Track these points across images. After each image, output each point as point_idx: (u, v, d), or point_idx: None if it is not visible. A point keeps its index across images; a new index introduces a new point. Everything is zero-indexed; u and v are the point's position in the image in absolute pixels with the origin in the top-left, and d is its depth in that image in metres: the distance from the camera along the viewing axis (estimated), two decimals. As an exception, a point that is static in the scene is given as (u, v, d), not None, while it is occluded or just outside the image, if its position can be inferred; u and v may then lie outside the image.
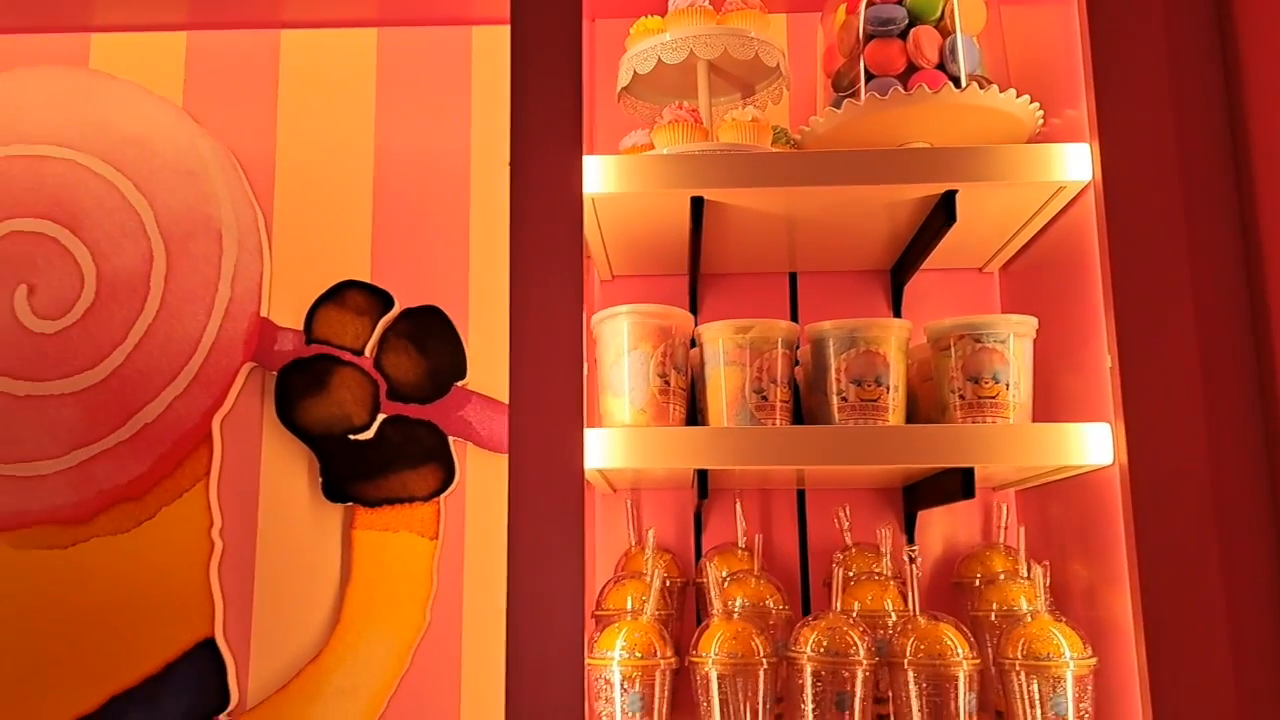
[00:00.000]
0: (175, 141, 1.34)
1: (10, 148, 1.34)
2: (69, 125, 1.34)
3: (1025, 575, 1.09)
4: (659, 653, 0.99)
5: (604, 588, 1.13)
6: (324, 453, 1.28)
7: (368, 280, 1.32)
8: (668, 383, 1.02)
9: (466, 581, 1.27)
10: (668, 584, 1.15)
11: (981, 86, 1.05)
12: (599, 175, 1.00)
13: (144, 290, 1.31)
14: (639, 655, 0.98)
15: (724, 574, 1.12)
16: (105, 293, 1.31)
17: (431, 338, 1.30)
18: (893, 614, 1.07)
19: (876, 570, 1.12)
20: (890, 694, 1.00)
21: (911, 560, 1.01)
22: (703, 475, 1.03)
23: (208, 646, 1.25)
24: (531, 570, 0.93)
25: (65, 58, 1.37)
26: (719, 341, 1.03)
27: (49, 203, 1.33)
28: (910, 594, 1.01)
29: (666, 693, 0.99)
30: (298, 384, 1.30)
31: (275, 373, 1.30)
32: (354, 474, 1.28)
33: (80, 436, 1.28)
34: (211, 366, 1.30)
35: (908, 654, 0.97)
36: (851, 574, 1.12)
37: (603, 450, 0.97)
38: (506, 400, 1.30)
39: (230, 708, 1.23)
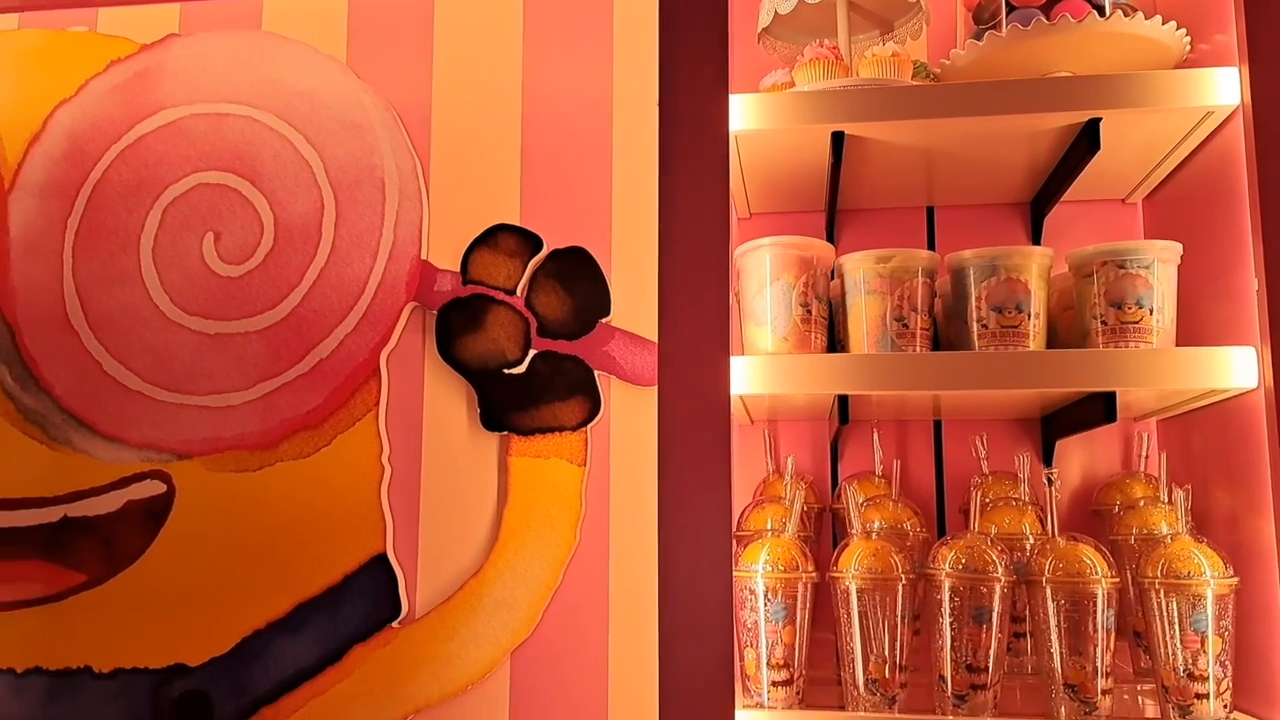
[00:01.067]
0: (341, 96, 1.45)
1: (195, 106, 1.47)
2: (245, 84, 1.46)
3: (1166, 500, 1.10)
4: (800, 567, 1.05)
5: (743, 511, 1.19)
6: (480, 386, 1.38)
7: (518, 223, 1.41)
8: (809, 311, 1.06)
9: (612, 505, 1.35)
10: (805, 509, 1.21)
11: (1126, 14, 1.04)
12: (743, 113, 1.04)
13: (316, 236, 1.42)
14: (781, 568, 1.04)
15: (861, 499, 1.17)
16: (283, 239, 1.43)
17: (578, 277, 1.38)
18: (1030, 537, 1.10)
19: (1014, 496, 1.15)
20: (1028, 613, 1.04)
21: (1050, 482, 1.04)
22: (843, 402, 1.08)
23: (380, 561, 1.37)
24: (682, 487, 1.00)
25: (241, 21, 1.49)
26: (860, 271, 1.06)
27: (230, 157, 1.45)
28: (1049, 516, 1.04)
29: (808, 605, 1.05)
30: (456, 322, 1.39)
31: (435, 312, 1.40)
32: (508, 405, 1.37)
33: (264, 370, 1.41)
34: (378, 306, 1.40)
35: (1046, 572, 1.00)
36: (989, 499, 1.15)
37: (748, 377, 1.02)
38: (648, 336, 1.37)
39: (402, 616, 1.35)
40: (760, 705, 1.02)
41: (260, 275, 1.43)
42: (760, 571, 1.03)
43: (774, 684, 1.02)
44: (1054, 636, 0.99)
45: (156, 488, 1.41)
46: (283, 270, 1.42)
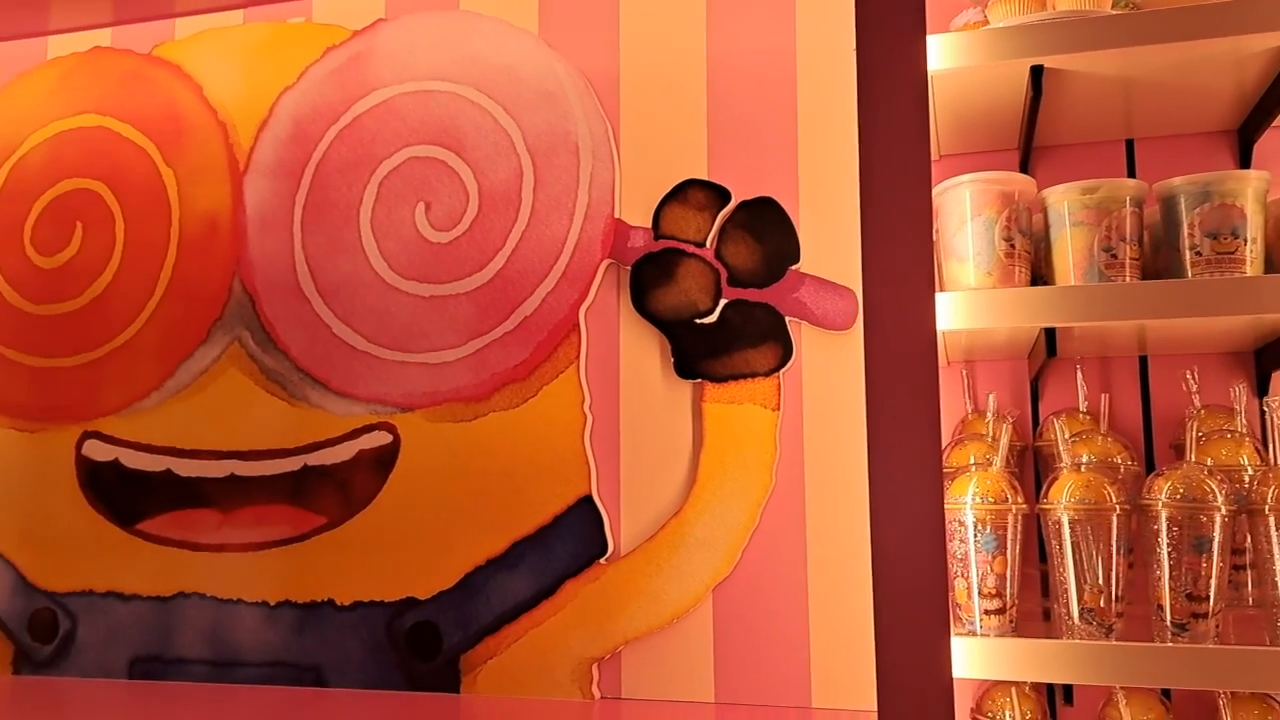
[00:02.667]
0: (536, 67, 1.53)
1: (403, 85, 1.58)
2: (448, 62, 1.56)
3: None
4: (1010, 499, 1.06)
5: (944, 450, 1.21)
6: (673, 336, 1.44)
7: (706, 178, 1.45)
8: (1013, 246, 1.07)
9: (806, 447, 1.39)
10: (1008, 447, 1.21)
11: (1351, -82, 0.99)
12: (940, 52, 1.05)
13: (517, 201, 1.51)
14: (991, 500, 1.06)
15: (1068, 433, 1.17)
16: (486, 205, 1.52)
17: (766, 226, 1.42)
18: (1249, 468, 1.08)
19: (1230, 428, 1.12)
20: (1249, 544, 1.02)
21: (1271, 410, 1.01)
22: (1050, 335, 1.08)
23: (587, 503, 1.45)
24: (890, 422, 1.02)
25: (441, 2, 1.59)
26: (1065, 203, 1.06)
27: (437, 130, 1.56)
28: (1270, 446, 1.02)
29: (1019, 537, 1.06)
30: (649, 276, 1.46)
31: (629, 267, 1.47)
32: (701, 354, 1.43)
33: (474, 329, 1.51)
34: (576, 264, 1.48)
35: (1269, 501, 0.98)
36: (1203, 433, 1.13)
37: (953, 312, 1.04)
38: (839, 280, 1.40)
39: (609, 554, 1.44)
40: (973, 633, 1.05)
41: (467, 240, 1.53)
42: (970, 504, 1.06)
43: (986, 612, 1.04)
44: (1278, 566, 0.97)
45: (384, 438, 1.54)
46: (488, 234, 1.52)
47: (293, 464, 1.57)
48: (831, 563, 1.37)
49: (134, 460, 1.63)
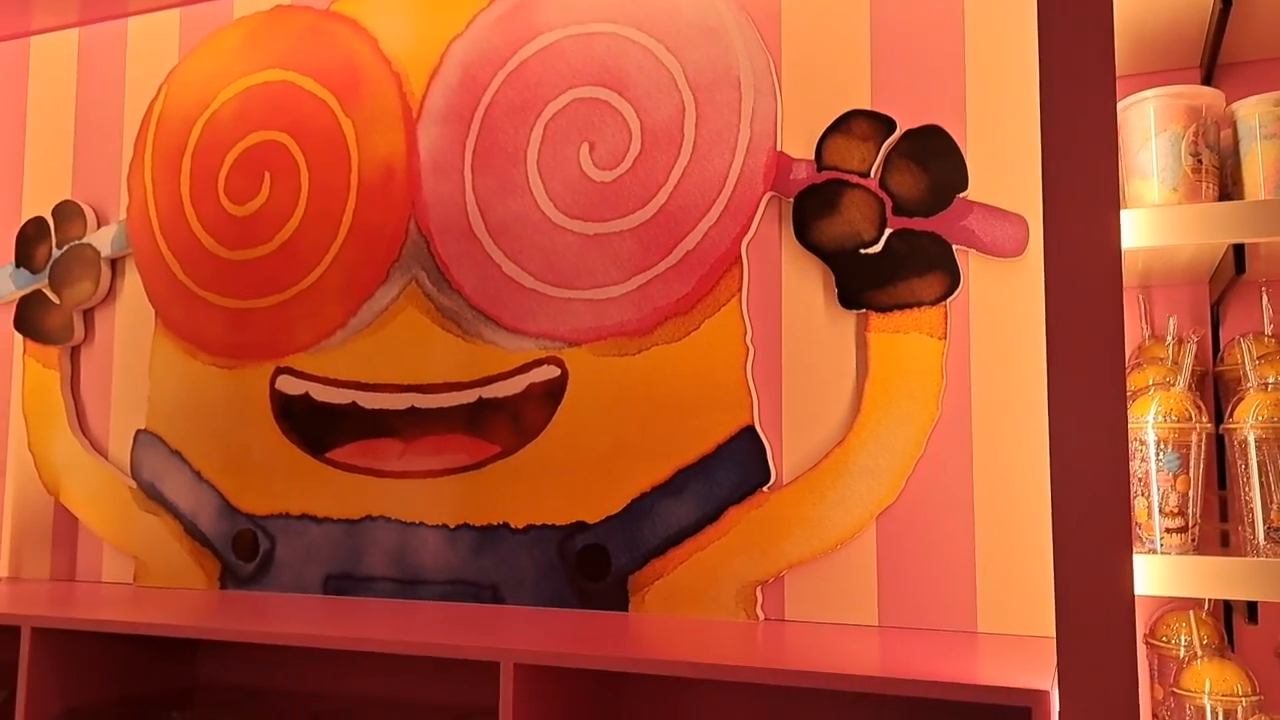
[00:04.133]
0: (696, 4, 1.55)
1: (567, 29, 1.63)
2: (610, 2, 1.60)
3: None
4: (1194, 418, 1.05)
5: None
6: (837, 267, 1.46)
7: (870, 108, 1.46)
8: (1200, 161, 1.04)
9: (973, 375, 1.40)
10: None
11: None
12: (1126, -37, 1.03)
13: (679, 138, 1.55)
14: (1175, 419, 1.05)
15: (1255, 354, 1.14)
16: (649, 143, 1.56)
17: (932, 155, 1.41)
18: None
19: None
20: None
21: None
22: (1239, 252, 1.06)
23: (749, 432, 1.50)
24: (1072, 345, 1.02)
25: (601, -54, 1.63)
26: (1256, 116, 1.03)
27: (599, 71, 1.60)
28: None
29: (1203, 455, 1.05)
30: (811, 208, 1.48)
31: (791, 199, 1.49)
32: (865, 284, 1.44)
33: (638, 264, 1.56)
34: (738, 198, 1.51)
35: None
36: (1405, 353, 1.08)
37: (1136, 230, 1.03)
38: (1008, 207, 1.39)
39: (771, 482, 1.48)
40: (1154, 551, 1.05)
41: (630, 178, 1.57)
42: (1151, 423, 1.05)
43: (1167, 530, 1.04)
44: None
45: (552, 372, 1.61)
46: (650, 172, 1.56)
47: (468, 397, 1.66)
48: (999, 489, 1.37)
49: (322, 394, 1.75)
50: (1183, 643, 1.22)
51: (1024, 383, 1.37)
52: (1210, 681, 1.14)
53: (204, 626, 1.50)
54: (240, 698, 1.67)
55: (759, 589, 1.47)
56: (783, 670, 1.23)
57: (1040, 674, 1.13)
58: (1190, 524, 1.05)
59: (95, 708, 1.57)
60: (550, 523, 1.59)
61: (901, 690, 1.14)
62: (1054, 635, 1.31)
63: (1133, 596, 1.00)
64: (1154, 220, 1.02)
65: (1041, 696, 1.04)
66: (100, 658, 1.60)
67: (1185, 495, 1.05)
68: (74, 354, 1.96)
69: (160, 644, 1.68)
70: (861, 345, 1.45)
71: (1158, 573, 1.04)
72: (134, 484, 1.87)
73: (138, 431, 1.88)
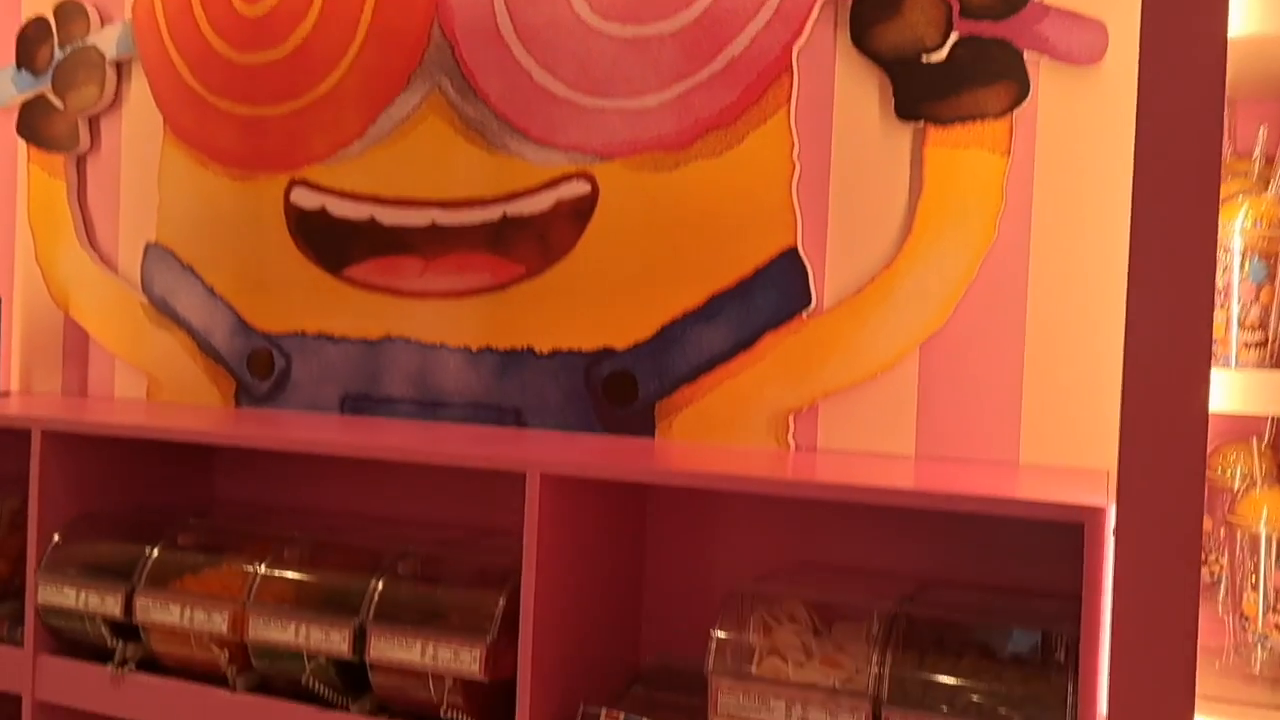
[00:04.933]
0: None
1: None
2: None
3: None
4: (1289, 224, 0.97)
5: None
6: (895, 75, 1.35)
7: (941, -103, 1.33)
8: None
9: (1036, 197, 1.31)
10: (1275, 185, 1.10)
11: None
12: None
13: (728, -70, 1.42)
14: (1265, 225, 0.97)
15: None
16: (695, -65, 1.44)
17: (1008, -50, 1.29)
18: None
19: None
20: None
21: None
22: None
23: (790, 255, 1.42)
24: (1164, 142, 0.93)
25: None
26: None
27: None
28: None
29: (1294, 265, 0.97)
30: (871, 10, 1.36)
31: (848, 1, 1.37)
32: (925, 94, 1.34)
33: (678, 71, 1.46)
34: (790, 0, 1.40)
35: None
36: None
37: (1244, 18, 0.93)
38: (1087, 12, 1.27)
39: (811, 307, 1.41)
40: (1228, 365, 0.98)
41: (673, -25, 1.45)
42: (1239, 229, 0.97)
43: (1245, 345, 0.97)
44: None
45: (582, 188, 1.52)
46: (695, -32, 1.44)
47: (492, 213, 1.58)
48: (1052, 318, 1.30)
49: (339, 208, 1.67)
50: (1239, 473, 1.16)
51: (1088, 204, 1.28)
52: (1268, 509, 1.09)
53: (220, 432, 1.46)
54: (257, 513, 1.65)
55: (792, 417, 1.42)
56: (816, 484, 1.19)
57: (1091, 496, 1.08)
58: (1271, 338, 0.98)
59: (110, 516, 1.55)
60: (576, 348, 1.53)
61: (942, 505, 1.10)
62: (1102, 468, 1.26)
63: (1207, 413, 0.93)
64: (1265, 6, 0.92)
65: (1097, 514, 0.99)
66: (114, 465, 1.57)
67: (1268, 308, 0.98)
68: (80, 164, 1.88)
69: (175, 454, 1.65)
70: (917, 162, 1.35)
71: (1234, 388, 0.98)
72: (145, 299, 1.81)
73: (148, 245, 1.81)
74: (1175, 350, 0.94)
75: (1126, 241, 0.93)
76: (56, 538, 1.49)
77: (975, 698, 1.07)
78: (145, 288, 1.81)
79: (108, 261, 1.85)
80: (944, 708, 1.07)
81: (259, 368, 1.73)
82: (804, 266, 1.41)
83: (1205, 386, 0.93)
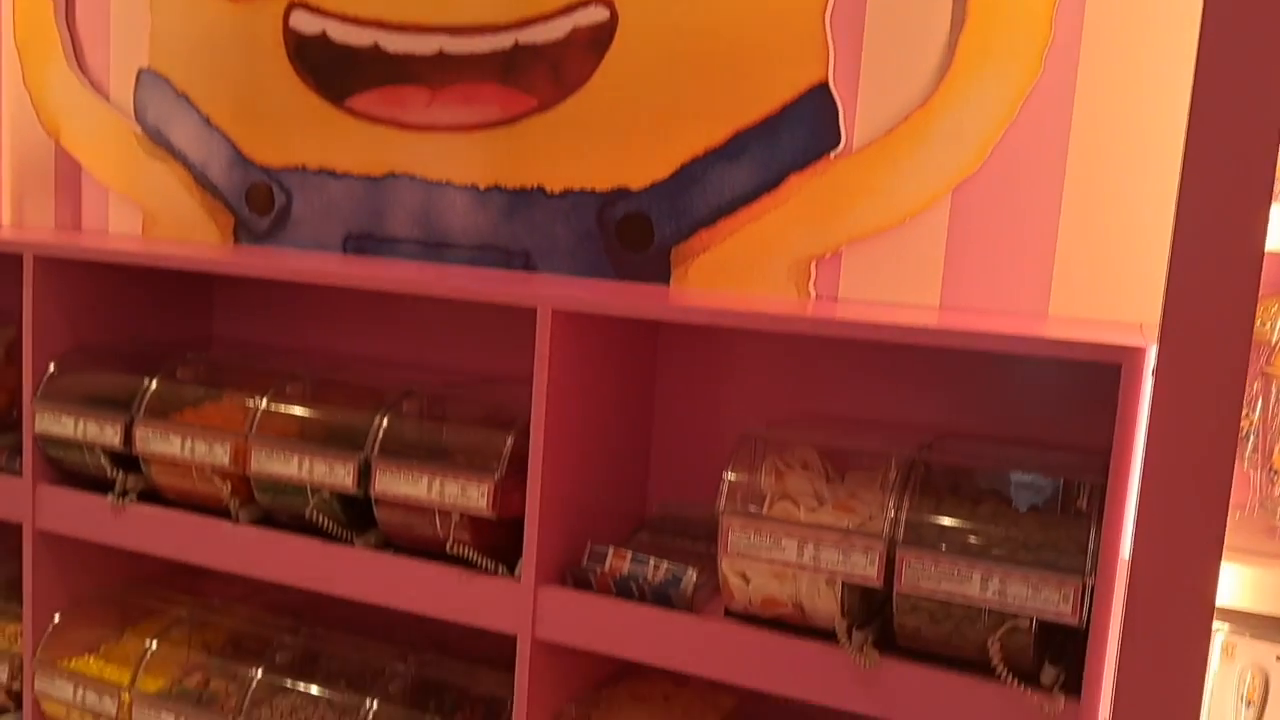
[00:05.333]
0: None
1: None
2: None
3: None
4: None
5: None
6: (944, -106, 1.25)
7: None
8: None
9: (1086, 32, 1.22)
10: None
11: None
12: None
13: None
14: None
15: None
16: None
17: None
18: None
19: None
20: None
21: None
22: None
23: (820, 91, 1.34)
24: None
25: None
26: None
27: None
28: None
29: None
30: None
31: None
32: (975, -85, 1.24)
33: (708, -114, 1.35)
34: None
35: None
36: None
37: None
38: None
39: (840, 148, 1.34)
40: (1290, 204, 0.92)
41: None
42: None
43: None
44: None
45: (600, 14, 1.43)
46: None
47: (503, 41, 1.49)
48: (1095, 164, 1.23)
49: (341, 33, 1.58)
50: (1278, 327, 1.12)
51: (1142, 39, 1.19)
52: (1311, 363, 1.04)
53: (219, 260, 1.40)
54: (258, 351, 1.61)
55: (814, 264, 1.36)
56: (834, 321, 1.15)
57: (1129, 338, 1.03)
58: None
59: (105, 349, 1.51)
60: (589, 187, 1.46)
61: (970, 344, 1.05)
62: (1138, 321, 1.22)
63: (1262, 251, 0.88)
64: None
65: (1136, 354, 0.95)
66: (109, 296, 1.52)
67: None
68: (66, -20, 1.77)
69: (173, 286, 1.60)
70: (961, -10, 1.26)
71: (1294, 228, 0.92)
72: (139, 129, 1.73)
73: (140, 70, 1.72)
74: (1233, 183, 0.88)
75: (1180, 79, 0.87)
76: (52, 368, 1.46)
77: (992, 542, 1.05)
78: (138, 116, 1.73)
79: (99, 88, 1.77)
80: (960, 551, 1.05)
81: (258, 203, 1.66)
82: (834, 103, 1.33)
83: (1263, 223, 0.88)
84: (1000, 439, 1.27)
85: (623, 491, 1.41)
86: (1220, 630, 1.08)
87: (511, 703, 1.23)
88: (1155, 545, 0.92)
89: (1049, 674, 1.01)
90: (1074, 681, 1.00)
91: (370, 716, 1.34)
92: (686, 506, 1.41)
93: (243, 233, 1.68)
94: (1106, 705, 0.99)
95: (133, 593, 1.60)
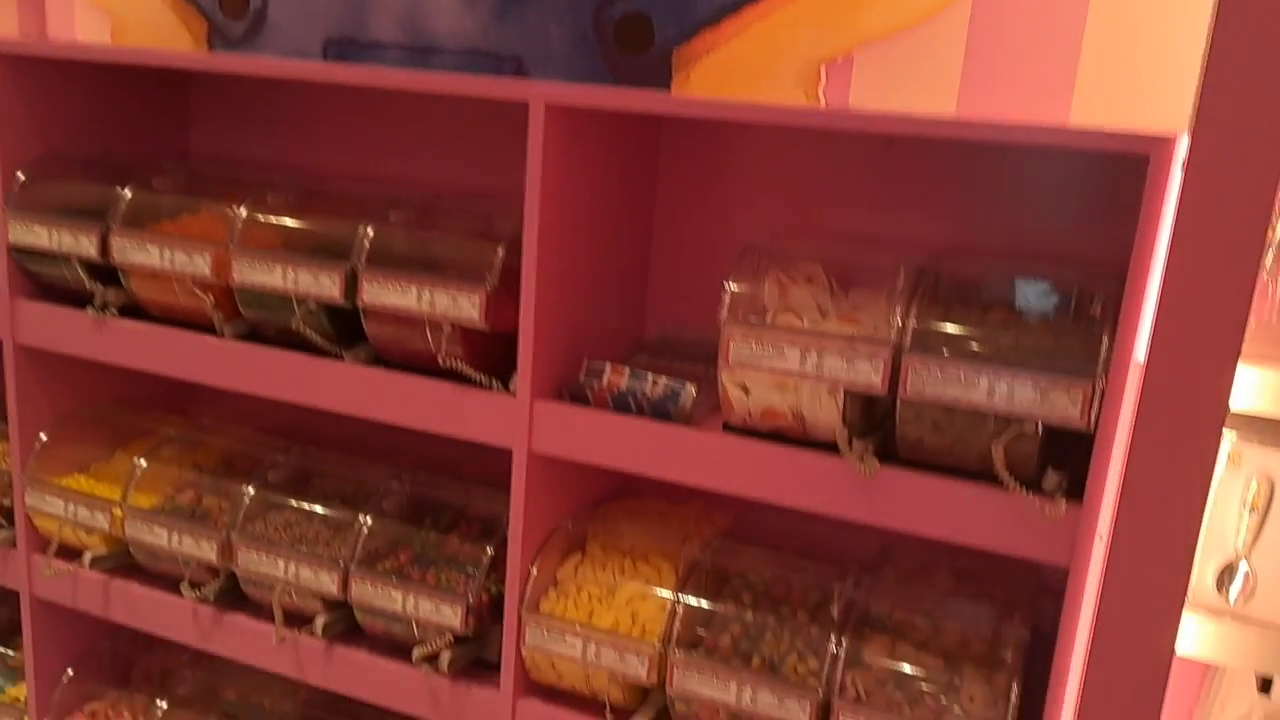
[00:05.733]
0: None
1: None
2: None
3: None
4: None
5: None
6: None
7: None
8: None
9: None
10: None
11: None
12: None
13: None
14: None
15: None
16: None
17: None
18: None
19: None
20: None
21: None
22: None
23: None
24: None
25: None
26: None
27: None
28: None
29: None
30: None
31: None
32: None
33: None
34: None
35: None
36: None
37: None
38: None
39: (855, -61, 1.24)
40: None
41: None
42: None
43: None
44: None
45: None
46: None
47: None
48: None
49: None
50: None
51: None
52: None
53: (196, 56, 1.32)
54: (237, 163, 1.54)
55: (824, 68, 1.28)
56: (848, 113, 1.09)
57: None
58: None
59: (77, 158, 1.44)
60: (585, -15, 1.37)
61: (989, 137, 0.99)
62: (1165, 133, 1.15)
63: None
64: None
65: (1165, 144, 0.89)
66: (80, 100, 1.45)
67: None
68: None
69: (147, 90, 1.52)
70: None
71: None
72: (99, -77, 1.61)
73: None
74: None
75: None
76: (21, 176, 1.39)
77: (1001, 349, 1.01)
78: (98, -92, 1.61)
79: (52, -124, 1.64)
80: (968, 357, 1.02)
81: (232, 6, 1.56)
82: (851, -107, 1.23)
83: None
84: (1015, 254, 1.22)
85: (621, 312, 1.38)
86: (1227, 437, 1.06)
87: (508, 519, 1.22)
88: (1171, 346, 0.89)
89: (1051, 479, 0.99)
90: (1075, 488, 0.99)
91: (364, 531, 1.33)
92: (686, 329, 1.37)
93: (217, 39, 1.58)
94: (1108, 510, 0.98)
95: (122, 413, 1.57)
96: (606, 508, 1.37)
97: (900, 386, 1.02)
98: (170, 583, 1.43)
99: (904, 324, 1.04)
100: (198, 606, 1.41)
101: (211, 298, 1.31)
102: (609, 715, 1.21)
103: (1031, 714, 1.06)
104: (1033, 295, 1.09)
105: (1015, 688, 1.04)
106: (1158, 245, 0.93)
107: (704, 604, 1.19)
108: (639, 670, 1.16)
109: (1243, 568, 1.05)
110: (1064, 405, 0.96)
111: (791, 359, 1.06)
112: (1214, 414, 0.90)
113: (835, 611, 1.16)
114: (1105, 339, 0.97)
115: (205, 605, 1.41)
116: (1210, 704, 1.15)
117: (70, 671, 1.60)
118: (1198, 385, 0.89)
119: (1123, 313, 0.94)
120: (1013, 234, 1.23)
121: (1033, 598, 1.18)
